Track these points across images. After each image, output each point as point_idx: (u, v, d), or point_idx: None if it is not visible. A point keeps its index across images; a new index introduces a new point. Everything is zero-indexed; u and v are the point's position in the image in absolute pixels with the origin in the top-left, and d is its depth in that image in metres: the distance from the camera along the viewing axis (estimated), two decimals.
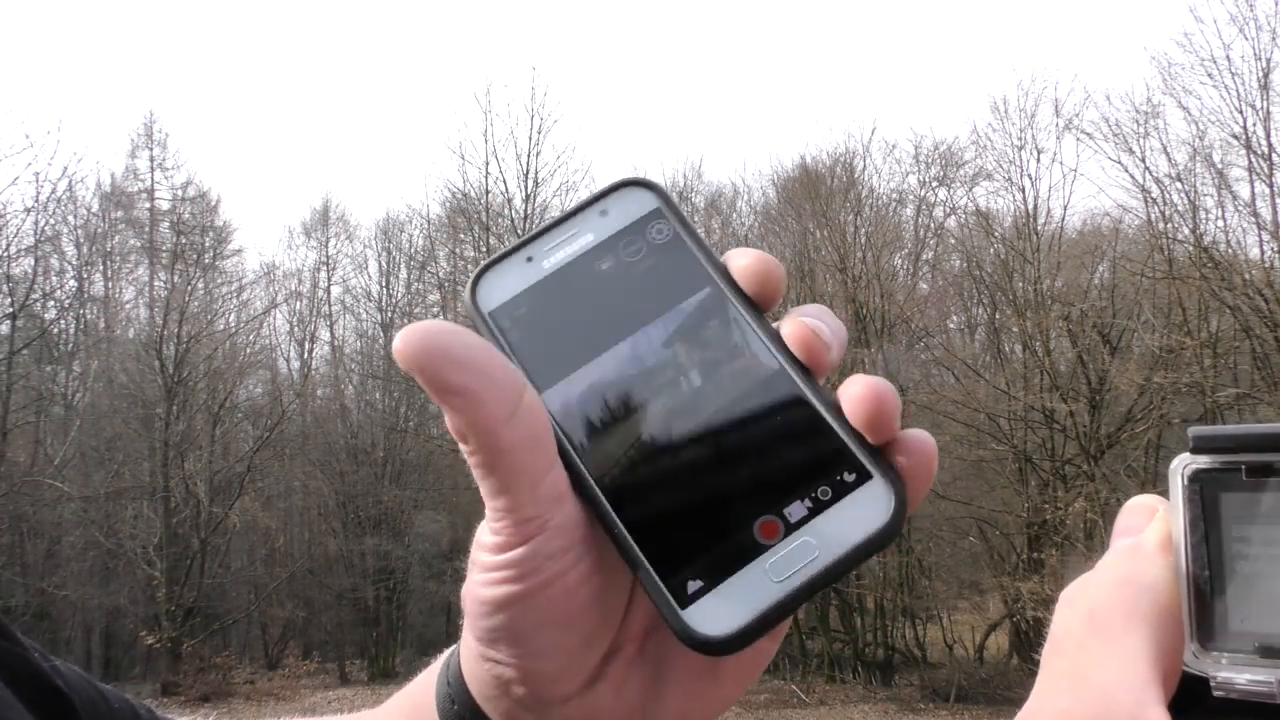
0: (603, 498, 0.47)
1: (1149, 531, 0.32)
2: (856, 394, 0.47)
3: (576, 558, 0.48)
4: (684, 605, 0.45)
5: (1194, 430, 0.31)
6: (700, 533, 0.47)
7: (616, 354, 0.50)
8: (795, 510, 0.47)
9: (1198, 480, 0.30)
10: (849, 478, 0.47)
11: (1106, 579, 0.31)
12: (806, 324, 0.49)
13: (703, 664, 0.50)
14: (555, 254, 0.53)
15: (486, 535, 0.48)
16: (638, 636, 0.51)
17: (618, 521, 0.47)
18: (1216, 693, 0.29)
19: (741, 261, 0.51)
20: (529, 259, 0.53)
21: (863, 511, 0.46)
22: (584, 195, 0.55)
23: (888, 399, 0.46)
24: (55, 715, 0.56)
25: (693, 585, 0.46)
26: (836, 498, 0.46)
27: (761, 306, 0.51)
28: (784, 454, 0.48)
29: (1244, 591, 0.29)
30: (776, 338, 0.49)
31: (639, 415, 0.49)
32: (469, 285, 0.53)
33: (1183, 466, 0.31)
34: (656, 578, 0.46)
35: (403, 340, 0.44)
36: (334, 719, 0.64)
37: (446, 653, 0.57)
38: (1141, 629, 0.29)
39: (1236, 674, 0.28)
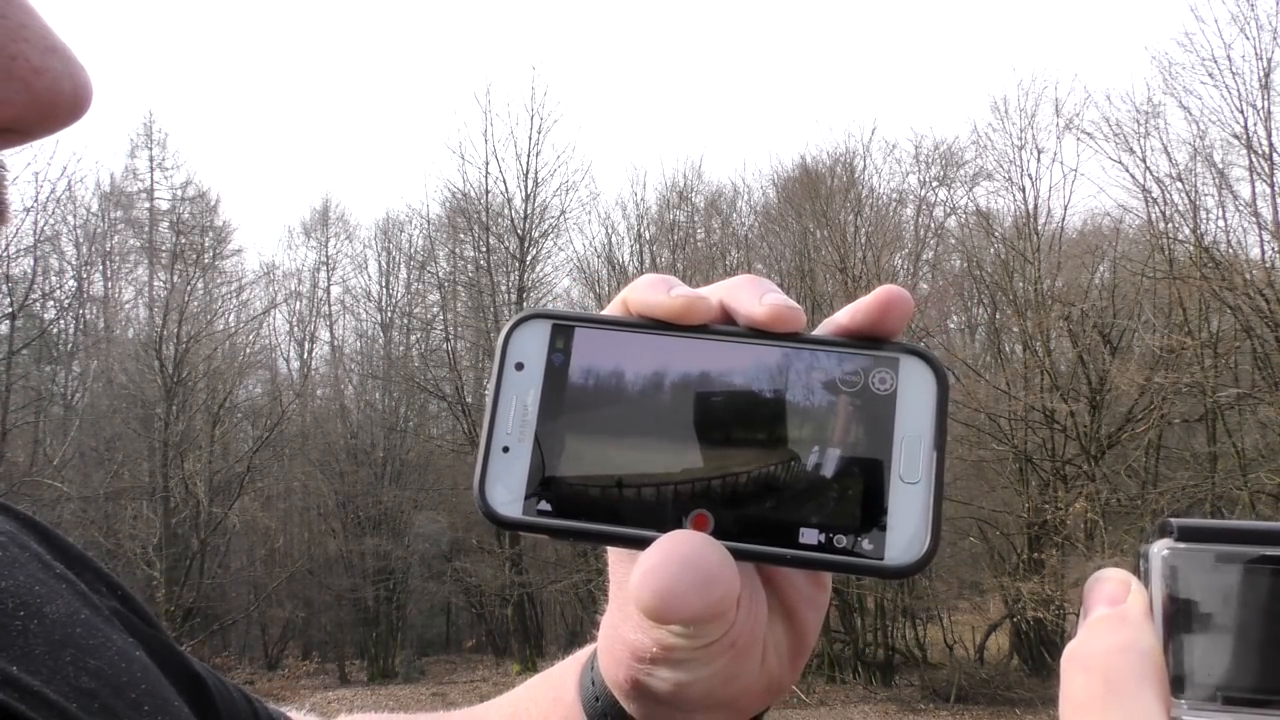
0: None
1: (1133, 603, 0.37)
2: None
3: (754, 622, 0.50)
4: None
5: (1178, 522, 0.38)
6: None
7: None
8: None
9: (1174, 562, 0.38)
10: None
11: (1111, 645, 0.36)
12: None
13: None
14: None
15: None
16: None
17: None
18: None
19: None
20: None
21: None
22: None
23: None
24: (196, 698, 0.61)
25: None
26: None
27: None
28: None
29: (1207, 654, 0.36)
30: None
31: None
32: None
33: (1163, 550, 0.38)
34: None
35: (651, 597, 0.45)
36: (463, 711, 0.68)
37: (588, 651, 0.60)
38: (1151, 689, 0.35)
39: (1201, 718, 0.36)
